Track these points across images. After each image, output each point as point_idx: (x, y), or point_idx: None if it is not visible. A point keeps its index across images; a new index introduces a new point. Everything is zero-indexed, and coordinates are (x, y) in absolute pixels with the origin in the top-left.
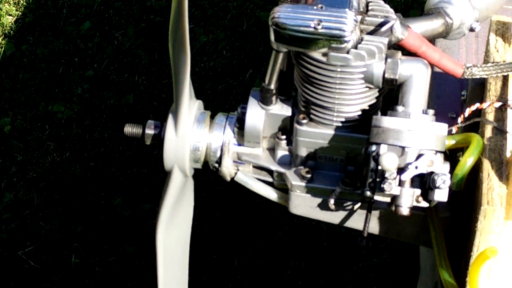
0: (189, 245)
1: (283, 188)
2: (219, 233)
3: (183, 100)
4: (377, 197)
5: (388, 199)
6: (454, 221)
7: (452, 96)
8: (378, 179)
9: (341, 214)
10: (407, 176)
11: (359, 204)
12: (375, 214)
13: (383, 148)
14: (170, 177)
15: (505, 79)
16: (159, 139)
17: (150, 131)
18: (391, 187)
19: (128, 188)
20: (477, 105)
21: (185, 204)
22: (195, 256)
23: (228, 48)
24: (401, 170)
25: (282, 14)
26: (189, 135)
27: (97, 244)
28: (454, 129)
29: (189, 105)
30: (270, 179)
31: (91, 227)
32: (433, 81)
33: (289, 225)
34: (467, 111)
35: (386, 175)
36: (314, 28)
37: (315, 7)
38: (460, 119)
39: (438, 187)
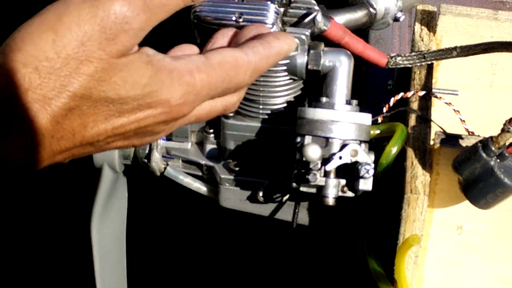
0: (125, 236)
1: (213, 181)
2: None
3: None
4: (303, 189)
5: (314, 190)
6: (385, 210)
7: (386, 86)
8: (303, 171)
9: (271, 206)
10: (331, 167)
11: (287, 196)
12: (305, 205)
13: (307, 139)
14: (101, 174)
15: (429, 68)
16: None
17: None
18: (315, 178)
19: None
20: (401, 94)
21: (118, 199)
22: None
23: None
24: (326, 161)
25: (204, 7)
26: None
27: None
28: (379, 119)
29: None
30: (200, 173)
31: None
32: (368, 72)
33: None
34: (392, 101)
35: (311, 166)
36: (236, 21)
37: (236, 0)
38: (385, 109)
39: (362, 177)
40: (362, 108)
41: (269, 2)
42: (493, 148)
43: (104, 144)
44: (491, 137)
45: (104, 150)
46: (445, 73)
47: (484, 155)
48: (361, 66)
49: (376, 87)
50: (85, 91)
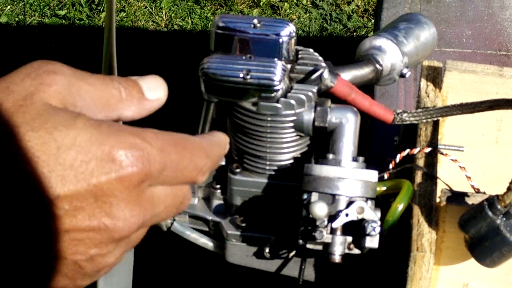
0: None
1: (219, 237)
2: None
3: None
4: (309, 246)
5: (320, 247)
6: (391, 268)
7: (392, 141)
8: (309, 227)
9: (277, 262)
10: (337, 224)
11: (294, 252)
12: (311, 261)
13: (313, 196)
14: None
15: (435, 124)
16: None
17: None
18: (322, 235)
19: None
20: (407, 151)
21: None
22: None
23: None
24: (332, 218)
25: (212, 64)
26: None
27: None
28: (385, 175)
29: None
30: (207, 229)
31: None
32: (373, 127)
33: None
34: (398, 157)
35: (317, 223)
36: (243, 78)
37: (244, 57)
38: (391, 165)
39: (368, 234)
40: (368, 162)
41: (276, 59)
42: (499, 207)
43: None
44: (497, 196)
45: None
46: (450, 128)
47: (490, 213)
48: (367, 120)
49: (382, 142)
50: None
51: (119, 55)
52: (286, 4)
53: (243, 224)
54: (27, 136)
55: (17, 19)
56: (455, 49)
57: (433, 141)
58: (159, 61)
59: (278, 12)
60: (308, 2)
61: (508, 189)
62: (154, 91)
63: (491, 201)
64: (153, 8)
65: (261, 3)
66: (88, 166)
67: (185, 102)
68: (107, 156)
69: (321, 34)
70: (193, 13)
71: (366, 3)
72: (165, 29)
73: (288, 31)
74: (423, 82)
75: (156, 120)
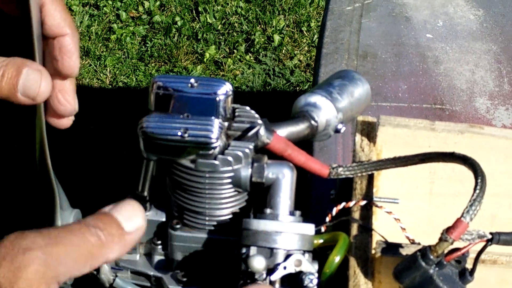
0: None
1: None
2: None
3: (56, 213)
4: None
5: None
6: None
7: (329, 194)
8: (248, 281)
9: None
10: (276, 277)
11: None
12: None
13: (252, 250)
14: None
15: (370, 177)
16: None
17: None
18: None
19: None
20: (343, 204)
21: None
22: None
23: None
24: (270, 271)
25: (150, 123)
26: None
27: None
28: (322, 228)
29: (62, 217)
30: (149, 284)
31: None
32: (313, 181)
33: None
34: (334, 210)
35: (256, 276)
36: (181, 136)
37: (181, 116)
38: (328, 218)
39: (306, 286)
40: (308, 217)
41: (213, 117)
42: (431, 257)
43: None
44: (430, 246)
45: None
46: (385, 181)
47: (423, 263)
48: (307, 175)
49: (321, 196)
50: None
51: None
52: (229, 60)
53: (185, 279)
54: None
55: None
56: (391, 103)
57: (369, 194)
58: (104, 118)
59: (222, 67)
60: (251, 58)
61: (440, 239)
62: (132, 221)
63: (424, 251)
64: (98, 65)
65: (205, 60)
66: None
67: (131, 159)
68: None
69: (264, 89)
70: (138, 70)
71: (308, 58)
72: (110, 86)
73: (224, 89)
74: (358, 137)
75: (103, 177)
